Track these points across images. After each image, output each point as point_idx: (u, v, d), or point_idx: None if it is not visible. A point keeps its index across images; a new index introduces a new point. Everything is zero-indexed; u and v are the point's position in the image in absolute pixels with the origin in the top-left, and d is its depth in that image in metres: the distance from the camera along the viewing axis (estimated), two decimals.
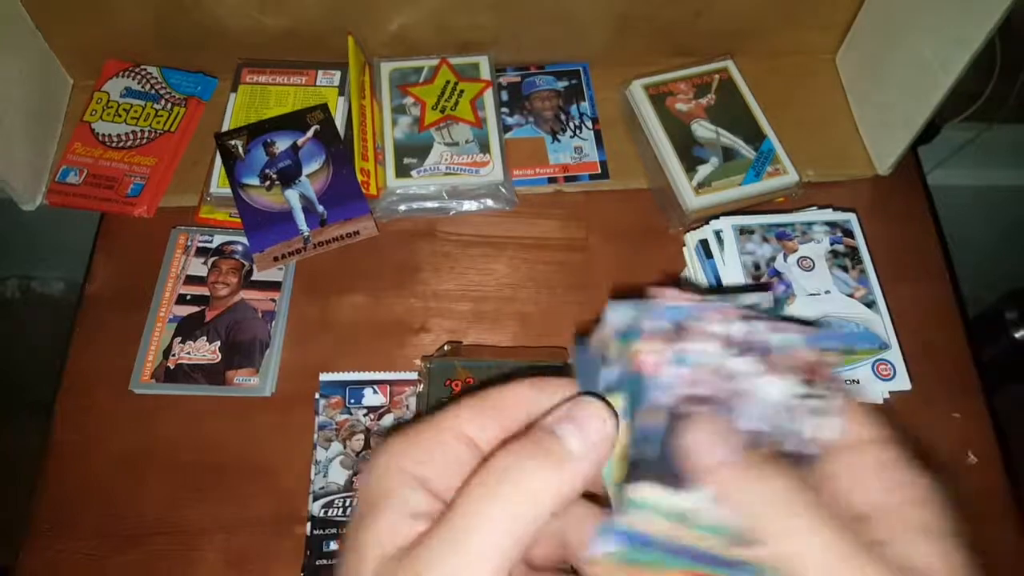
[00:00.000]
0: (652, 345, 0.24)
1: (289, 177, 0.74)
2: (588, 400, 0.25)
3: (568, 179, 0.79)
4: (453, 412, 0.26)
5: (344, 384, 0.67)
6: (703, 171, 0.76)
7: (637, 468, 0.24)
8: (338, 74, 0.80)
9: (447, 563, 0.22)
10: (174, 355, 0.68)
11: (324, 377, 0.68)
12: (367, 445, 0.65)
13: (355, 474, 0.64)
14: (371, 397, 0.67)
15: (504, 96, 0.83)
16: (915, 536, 0.23)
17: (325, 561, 0.61)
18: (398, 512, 0.24)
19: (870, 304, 0.62)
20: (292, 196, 0.73)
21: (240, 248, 0.74)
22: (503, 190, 0.76)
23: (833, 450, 0.25)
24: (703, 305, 0.25)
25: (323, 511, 0.62)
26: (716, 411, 0.24)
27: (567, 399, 0.26)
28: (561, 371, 0.66)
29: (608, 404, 0.25)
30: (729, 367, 0.24)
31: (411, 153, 0.77)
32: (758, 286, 0.27)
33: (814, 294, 0.63)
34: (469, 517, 0.22)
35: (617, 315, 0.25)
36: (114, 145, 0.79)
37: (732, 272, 0.63)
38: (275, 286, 0.72)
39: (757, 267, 0.64)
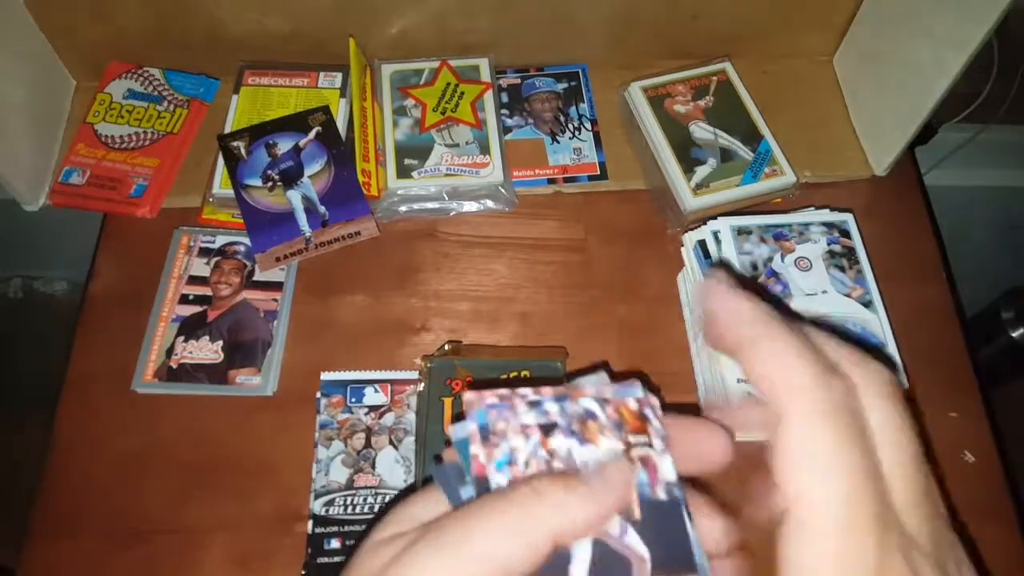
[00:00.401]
0: (477, 449, 0.25)
1: (291, 178, 0.74)
2: (614, 459, 0.26)
3: (567, 180, 0.80)
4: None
5: (345, 383, 0.68)
6: (701, 172, 0.76)
7: None
8: (339, 76, 0.81)
9: (429, 566, 0.23)
10: (176, 354, 0.69)
11: (325, 376, 0.68)
12: (368, 444, 0.65)
13: (356, 472, 0.64)
14: (372, 396, 0.67)
15: (504, 98, 0.84)
16: None
17: (326, 559, 0.61)
18: (406, 513, 0.26)
19: (867, 304, 0.63)
20: (294, 197, 0.73)
21: (242, 248, 0.74)
22: (503, 191, 0.77)
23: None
24: (508, 400, 0.26)
25: (324, 509, 0.63)
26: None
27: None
28: (558, 371, 0.67)
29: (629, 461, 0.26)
30: (553, 446, 0.25)
31: (412, 154, 0.78)
32: (591, 369, 0.30)
33: (811, 294, 0.63)
34: (459, 521, 0.23)
35: (457, 429, 0.26)
36: (117, 146, 0.79)
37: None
38: (277, 286, 0.73)
39: (755, 267, 0.64)
